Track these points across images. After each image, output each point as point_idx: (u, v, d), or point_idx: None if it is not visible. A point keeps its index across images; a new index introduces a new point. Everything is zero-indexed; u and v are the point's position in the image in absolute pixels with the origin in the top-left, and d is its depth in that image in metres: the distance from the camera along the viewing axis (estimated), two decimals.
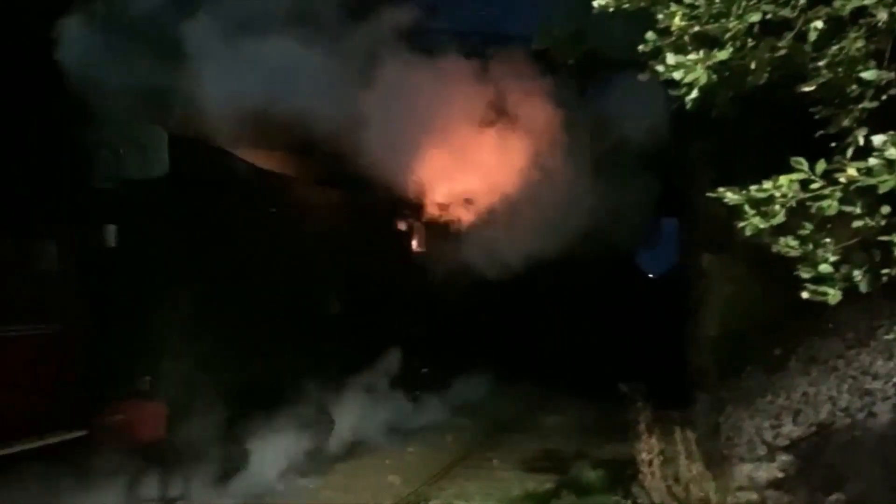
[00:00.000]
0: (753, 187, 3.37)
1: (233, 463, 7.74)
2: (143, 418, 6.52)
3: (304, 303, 9.06)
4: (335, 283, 9.82)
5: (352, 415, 10.11)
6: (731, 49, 3.45)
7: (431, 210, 12.05)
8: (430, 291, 11.99)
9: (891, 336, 6.64)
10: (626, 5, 3.74)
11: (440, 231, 11.96)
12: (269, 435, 8.22)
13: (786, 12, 3.37)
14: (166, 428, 6.68)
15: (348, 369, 10.01)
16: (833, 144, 3.41)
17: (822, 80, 3.41)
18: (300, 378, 8.70)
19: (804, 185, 3.25)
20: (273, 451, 8.31)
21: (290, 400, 8.48)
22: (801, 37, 3.37)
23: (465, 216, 11.99)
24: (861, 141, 3.27)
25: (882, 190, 3.10)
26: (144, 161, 6.89)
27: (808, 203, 3.25)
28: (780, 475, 6.49)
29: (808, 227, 3.40)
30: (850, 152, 3.27)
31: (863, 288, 3.36)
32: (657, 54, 3.55)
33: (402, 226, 12.58)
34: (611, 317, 19.56)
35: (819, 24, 3.30)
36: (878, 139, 3.12)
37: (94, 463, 6.04)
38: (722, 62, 3.45)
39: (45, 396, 5.77)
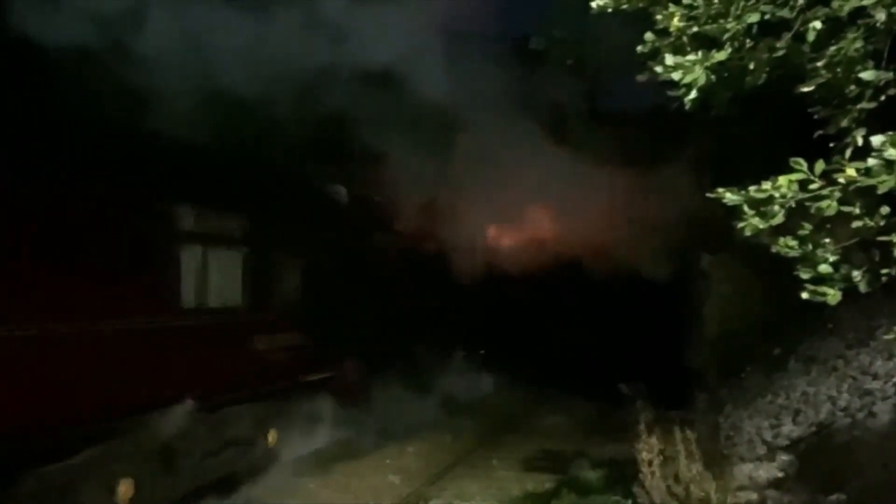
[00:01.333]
0: (752, 188, 3.36)
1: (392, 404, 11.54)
2: (351, 371, 10.48)
3: (425, 301, 13.23)
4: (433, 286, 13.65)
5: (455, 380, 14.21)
6: (729, 50, 3.45)
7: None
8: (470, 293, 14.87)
9: (890, 336, 6.62)
10: (625, 6, 3.75)
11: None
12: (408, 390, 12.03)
13: (784, 13, 3.37)
14: (363, 378, 10.73)
15: (440, 347, 14.02)
16: (832, 145, 3.41)
17: (820, 80, 3.41)
18: (422, 353, 12.78)
19: (803, 185, 3.24)
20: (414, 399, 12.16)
21: (420, 366, 12.55)
22: (800, 37, 3.37)
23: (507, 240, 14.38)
24: (860, 141, 3.28)
25: (881, 190, 3.09)
26: (334, 206, 10.66)
27: (808, 203, 3.25)
28: (780, 475, 6.48)
29: (807, 228, 3.40)
30: (848, 153, 3.26)
31: (862, 288, 3.36)
32: (656, 55, 3.55)
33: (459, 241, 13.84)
34: (610, 316, 19.53)
35: (817, 24, 3.30)
36: (876, 139, 3.12)
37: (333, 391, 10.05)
38: (720, 63, 3.45)
39: (317, 351, 9.74)
